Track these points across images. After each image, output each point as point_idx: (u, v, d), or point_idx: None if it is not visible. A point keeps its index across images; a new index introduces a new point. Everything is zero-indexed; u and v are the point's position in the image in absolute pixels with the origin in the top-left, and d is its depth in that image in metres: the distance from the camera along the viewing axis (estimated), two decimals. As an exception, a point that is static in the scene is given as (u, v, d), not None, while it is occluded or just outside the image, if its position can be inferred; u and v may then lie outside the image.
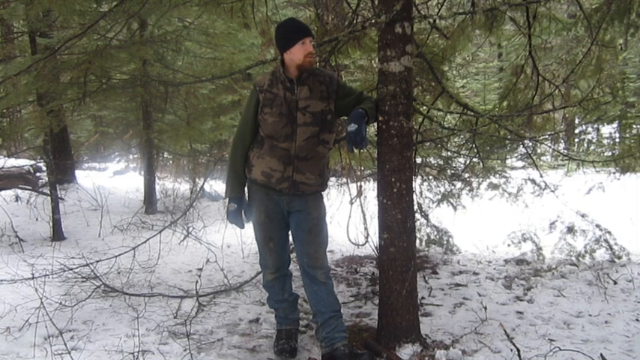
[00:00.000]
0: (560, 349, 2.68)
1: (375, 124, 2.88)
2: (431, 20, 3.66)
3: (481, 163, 4.53)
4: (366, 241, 2.96)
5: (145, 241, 4.17)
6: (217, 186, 8.48)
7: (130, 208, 6.99)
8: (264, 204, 2.75)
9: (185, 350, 2.78)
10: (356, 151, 2.76)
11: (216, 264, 4.39)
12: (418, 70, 3.88)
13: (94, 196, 7.19)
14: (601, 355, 2.63)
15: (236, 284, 3.97)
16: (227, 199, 2.83)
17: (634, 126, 4.75)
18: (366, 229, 2.94)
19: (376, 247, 3.68)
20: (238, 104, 7.23)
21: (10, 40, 7.33)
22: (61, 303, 3.44)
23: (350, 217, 2.89)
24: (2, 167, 7.17)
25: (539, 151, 5.42)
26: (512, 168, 5.72)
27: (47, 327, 2.96)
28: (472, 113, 3.81)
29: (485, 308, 3.36)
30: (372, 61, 4.56)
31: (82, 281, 3.84)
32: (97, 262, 3.97)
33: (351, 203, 2.93)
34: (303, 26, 2.65)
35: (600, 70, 3.90)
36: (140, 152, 8.64)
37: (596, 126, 4.63)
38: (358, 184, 3.10)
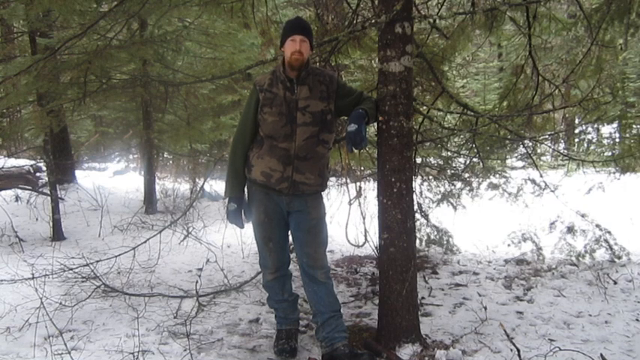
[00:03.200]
0: (560, 349, 2.68)
1: (375, 124, 2.88)
2: (431, 20, 3.66)
3: (481, 163, 4.53)
4: (365, 242, 2.96)
5: (145, 241, 4.17)
6: (217, 186, 8.47)
7: (130, 208, 6.99)
8: (263, 204, 2.74)
9: (185, 350, 2.78)
10: (356, 151, 2.76)
11: (216, 264, 4.39)
12: (418, 70, 3.88)
13: (94, 196, 7.19)
14: (601, 355, 2.63)
15: (236, 284, 3.97)
16: (227, 199, 2.83)
17: (634, 126, 4.73)
18: (365, 229, 2.94)
19: (376, 247, 3.68)
20: (238, 104, 7.22)
21: (10, 40, 7.33)
22: (61, 303, 3.44)
23: (349, 219, 2.89)
24: (2, 167, 7.17)
25: (539, 151, 5.41)
26: (512, 168, 5.71)
27: (47, 327, 2.96)
28: (472, 113, 3.81)
29: (486, 308, 3.36)
30: (372, 61, 4.56)
31: (82, 281, 3.84)
32: (97, 262, 3.97)
33: (350, 204, 2.93)
34: (297, 24, 2.65)
35: (600, 70, 3.90)
36: (140, 152, 8.65)
37: (596, 126, 4.62)
38: (357, 184, 3.10)
